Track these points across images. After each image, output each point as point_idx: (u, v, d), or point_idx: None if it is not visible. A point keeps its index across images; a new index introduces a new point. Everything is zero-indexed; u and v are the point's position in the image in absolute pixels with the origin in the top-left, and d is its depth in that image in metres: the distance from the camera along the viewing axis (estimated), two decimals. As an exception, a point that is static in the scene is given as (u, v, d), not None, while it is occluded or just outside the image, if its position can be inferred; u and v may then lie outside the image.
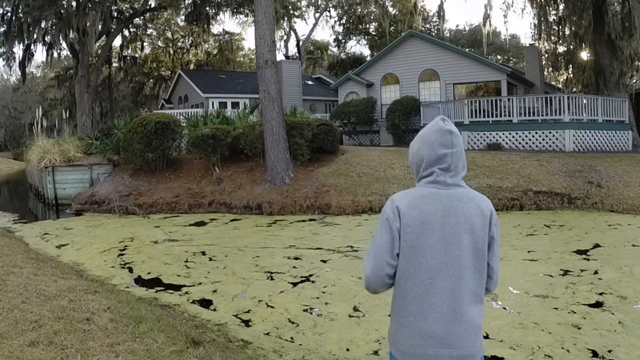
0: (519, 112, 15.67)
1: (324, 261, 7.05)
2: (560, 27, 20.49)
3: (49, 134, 17.57)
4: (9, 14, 23.03)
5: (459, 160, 1.80)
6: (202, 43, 39.63)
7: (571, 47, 20.34)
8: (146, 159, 13.56)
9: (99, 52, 27.66)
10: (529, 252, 7.21)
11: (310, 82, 31.88)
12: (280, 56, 38.13)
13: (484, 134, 16.04)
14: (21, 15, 22.22)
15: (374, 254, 1.78)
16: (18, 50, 36.26)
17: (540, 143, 14.95)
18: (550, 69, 23.46)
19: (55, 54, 26.52)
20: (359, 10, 40.79)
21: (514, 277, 5.94)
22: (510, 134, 15.36)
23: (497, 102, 16.16)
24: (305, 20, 53.63)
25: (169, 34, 39.44)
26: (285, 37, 42.30)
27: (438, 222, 1.73)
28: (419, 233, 1.73)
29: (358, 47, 78.37)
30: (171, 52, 40.49)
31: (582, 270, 6.13)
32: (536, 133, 15.05)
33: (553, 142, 14.77)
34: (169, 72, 40.55)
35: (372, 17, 43.14)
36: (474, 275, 1.74)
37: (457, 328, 1.71)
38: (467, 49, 33.75)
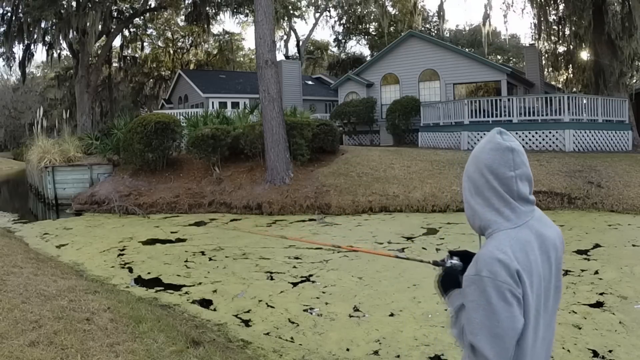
0: (519, 112, 15.65)
1: (324, 261, 7.05)
2: (560, 27, 20.49)
3: (49, 134, 17.54)
4: (9, 14, 23.04)
5: (525, 187, 1.44)
6: (202, 43, 39.60)
7: (571, 47, 20.34)
8: (146, 159, 13.56)
9: (99, 52, 27.65)
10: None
11: (310, 82, 31.86)
12: (280, 56, 38.20)
13: (484, 134, 15.80)
14: (21, 15, 22.22)
15: (500, 335, 1.30)
16: (18, 50, 36.26)
17: (540, 143, 14.94)
18: (550, 69, 23.45)
19: (55, 54, 26.52)
20: (359, 10, 40.84)
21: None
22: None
23: (497, 102, 16.14)
24: (305, 20, 53.85)
25: (169, 34, 39.43)
26: (285, 37, 42.41)
27: (538, 268, 1.41)
28: (528, 286, 1.38)
29: (358, 47, 78.63)
30: (171, 52, 40.48)
31: (582, 270, 6.13)
32: (536, 133, 15.05)
33: (553, 142, 14.76)
34: (169, 72, 40.54)
35: (372, 17, 43.18)
36: (553, 316, 1.51)
37: None
38: (467, 49, 33.76)
